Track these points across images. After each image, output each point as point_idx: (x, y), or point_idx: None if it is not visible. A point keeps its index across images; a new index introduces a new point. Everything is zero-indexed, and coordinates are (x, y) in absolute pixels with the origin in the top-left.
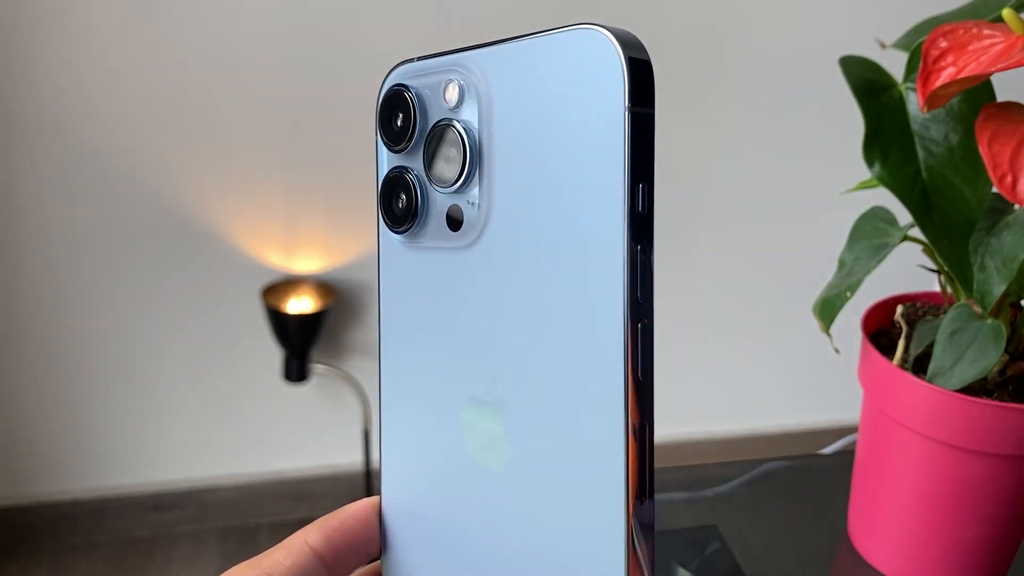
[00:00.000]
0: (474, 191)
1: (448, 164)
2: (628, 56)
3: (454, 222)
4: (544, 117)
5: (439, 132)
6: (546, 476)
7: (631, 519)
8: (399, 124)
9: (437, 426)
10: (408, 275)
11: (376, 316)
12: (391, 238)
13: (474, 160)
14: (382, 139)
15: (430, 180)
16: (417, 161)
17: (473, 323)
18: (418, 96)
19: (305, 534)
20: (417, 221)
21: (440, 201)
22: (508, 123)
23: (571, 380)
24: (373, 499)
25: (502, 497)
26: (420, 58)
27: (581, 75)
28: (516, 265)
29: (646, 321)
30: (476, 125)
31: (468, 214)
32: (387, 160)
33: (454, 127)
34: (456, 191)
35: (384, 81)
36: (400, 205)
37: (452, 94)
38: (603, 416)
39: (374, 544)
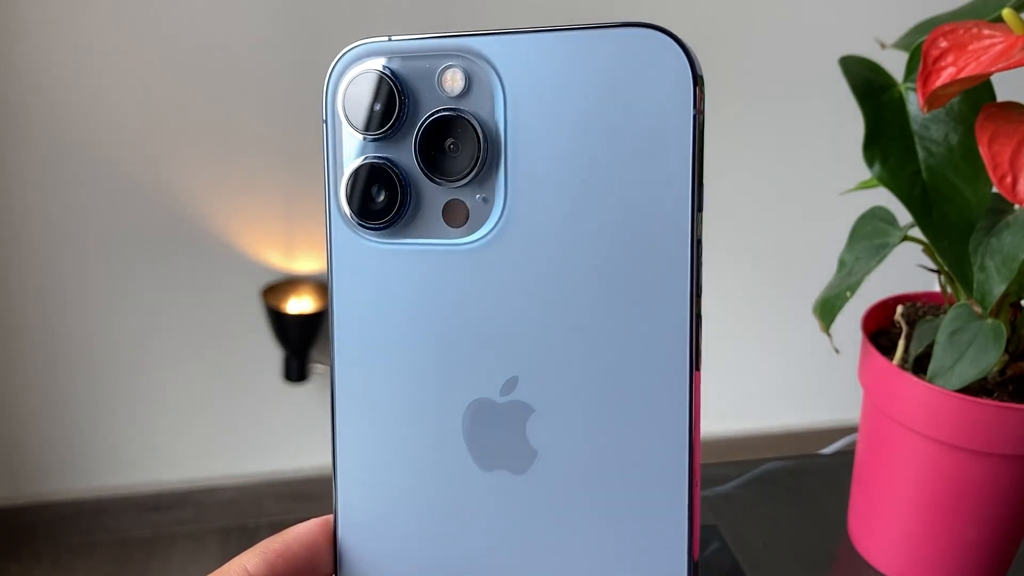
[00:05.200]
0: (485, 185)
1: (451, 156)
2: (692, 61)
3: (454, 217)
4: (591, 113)
5: (441, 121)
6: (590, 474)
7: (695, 509)
8: (378, 109)
9: (422, 434)
10: (376, 275)
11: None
12: (349, 235)
13: (487, 152)
14: (349, 125)
15: (425, 172)
16: (402, 151)
17: (481, 322)
18: (402, 80)
19: (244, 559)
20: (400, 216)
21: (434, 195)
22: (538, 115)
23: (625, 376)
24: (321, 519)
25: (525, 499)
26: (392, 38)
27: (643, 75)
28: (549, 261)
29: (700, 314)
30: (491, 115)
31: (475, 209)
32: (354, 148)
33: (464, 116)
34: (462, 185)
35: (340, 58)
36: (379, 198)
37: (455, 80)
38: (665, 410)
39: (323, 567)
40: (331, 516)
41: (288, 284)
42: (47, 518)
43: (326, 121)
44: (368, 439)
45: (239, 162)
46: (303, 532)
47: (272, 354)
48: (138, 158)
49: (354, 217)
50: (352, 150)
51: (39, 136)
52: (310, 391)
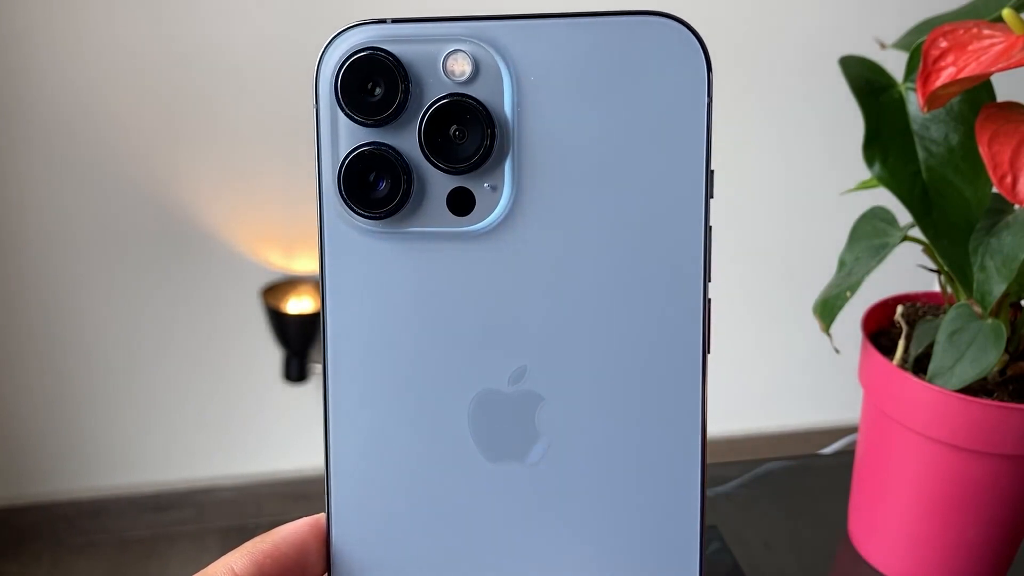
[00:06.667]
0: (493, 173)
1: (457, 142)
2: (705, 50)
3: (459, 205)
4: (602, 100)
5: (449, 106)
6: (603, 461)
7: (704, 498)
8: (378, 94)
9: (424, 427)
10: (375, 264)
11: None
12: (345, 225)
13: (496, 139)
14: (346, 111)
15: (430, 159)
16: (404, 137)
17: (488, 311)
18: (404, 63)
19: (232, 560)
20: (403, 204)
21: (438, 183)
22: (548, 102)
23: (637, 361)
24: (311, 519)
25: (534, 491)
26: (392, 21)
27: (656, 63)
28: (559, 248)
29: (710, 298)
30: (500, 102)
31: (481, 197)
32: (351, 135)
33: (472, 103)
34: (469, 172)
35: (333, 40)
36: (381, 186)
37: (462, 65)
38: (679, 394)
39: (313, 568)
40: (322, 515)
41: (288, 284)
42: (47, 518)
43: (317, 106)
44: (365, 433)
45: (239, 162)
46: (292, 532)
47: (272, 354)
48: (137, 158)
49: (353, 206)
50: (348, 137)
51: (38, 137)
52: (310, 391)
